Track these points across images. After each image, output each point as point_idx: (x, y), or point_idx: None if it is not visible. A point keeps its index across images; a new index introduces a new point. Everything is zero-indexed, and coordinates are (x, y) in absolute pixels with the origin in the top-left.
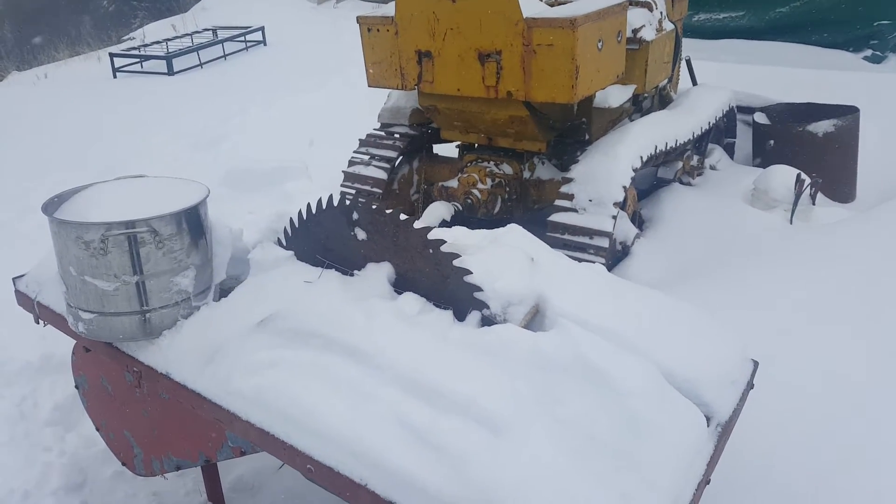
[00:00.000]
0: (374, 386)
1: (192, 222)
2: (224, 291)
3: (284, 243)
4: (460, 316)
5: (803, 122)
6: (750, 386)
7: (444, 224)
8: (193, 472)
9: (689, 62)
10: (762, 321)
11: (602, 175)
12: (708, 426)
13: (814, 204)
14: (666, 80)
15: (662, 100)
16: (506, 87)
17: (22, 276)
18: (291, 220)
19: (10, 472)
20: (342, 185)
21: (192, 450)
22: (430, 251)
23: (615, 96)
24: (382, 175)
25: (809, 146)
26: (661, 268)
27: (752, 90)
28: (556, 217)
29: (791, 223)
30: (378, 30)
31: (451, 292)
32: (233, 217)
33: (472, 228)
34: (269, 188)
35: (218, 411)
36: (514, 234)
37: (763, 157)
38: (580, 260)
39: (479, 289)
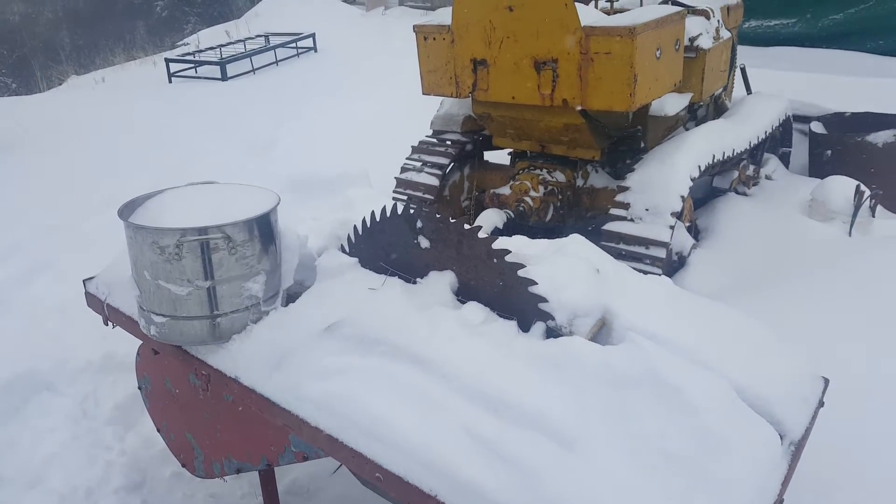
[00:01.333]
0: (441, 395)
1: (264, 229)
2: (291, 297)
3: (348, 250)
4: (525, 327)
5: (862, 133)
6: (821, 404)
7: (497, 231)
8: (250, 474)
9: (743, 70)
10: (825, 336)
11: (659, 184)
12: (781, 444)
13: (873, 216)
14: (721, 89)
15: (718, 108)
16: (561, 95)
17: (92, 278)
18: (355, 227)
19: (74, 470)
20: (394, 192)
21: (254, 453)
22: (495, 261)
23: (671, 104)
24: (434, 182)
25: (868, 156)
26: (718, 280)
27: (807, 99)
28: (612, 226)
29: (850, 235)
30: (434, 38)
31: (516, 303)
32: (298, 223)
33: (527, 236)
34: (331, 195)
35: (286, 416)
36: (578, 245)
37: (819, 167)
38: (636, 270)
39: (543, 299)
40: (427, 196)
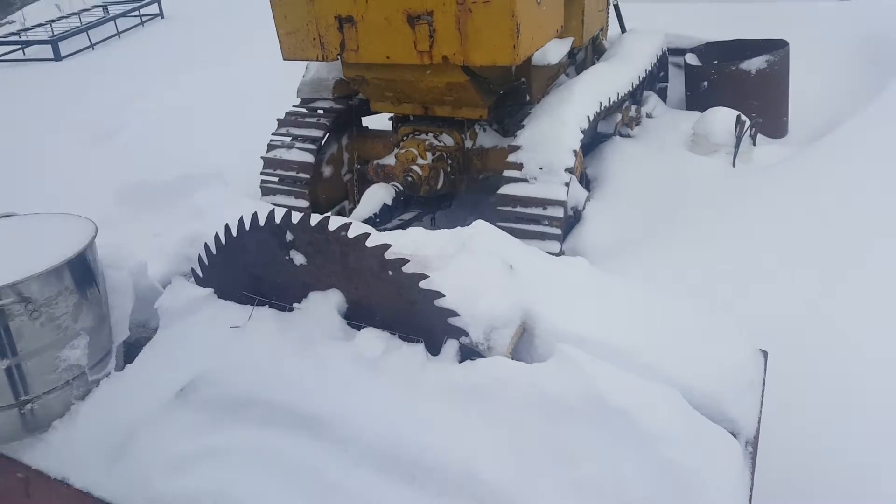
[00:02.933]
0: (340, 472)
1: (78, 274)
2: (130, 352)
3: (200, 275)
4: (434, 349)
5: (735, 61)
6: (764, 383)
7: (386, 209)
8: None
9: (616, 7)
10: (736, 275)
11: (551, 140)
12: (740, 449)
13: (754, 144)
14: (599, 30)
15: (596, 50)
16: (441, 52)
17: None
18: (207, 245)
19: None
20: (262, 174)
21: None
22: (390, 273)
23: (554, 52)
24: (308, 158)
25: (743, 85)
26: (617, 229)
27: (676, 30)
28: (507, 189)
29: (734, 166)
30: None
31: (421, 320)
32: (134, 245)
33: (415, 208)
34: (174, 202)
35: None
36: (484, 235)
37: (697, 99)
38: (534, 232)
39: (454, 313)
40: (302, 175)
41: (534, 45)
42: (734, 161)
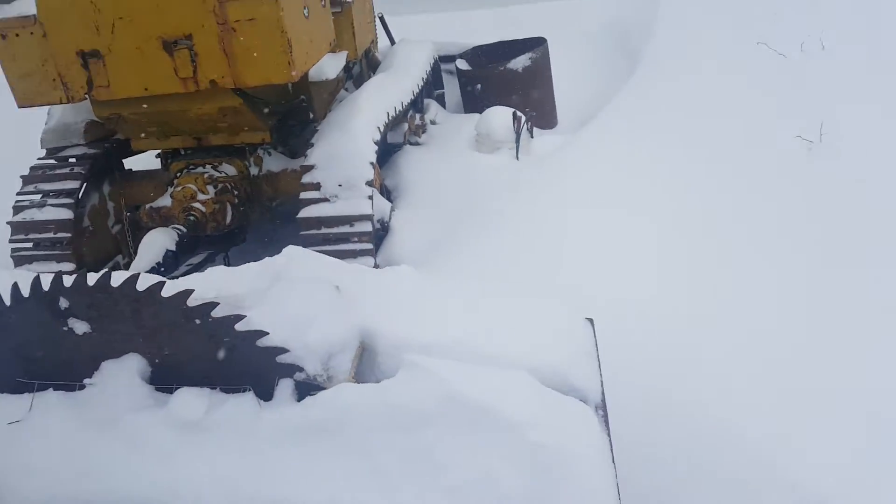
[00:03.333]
0: None
1: None
2: None
3: None
4: (266, 394)
5: (502, 61)
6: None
7: (171, 255)
8: None
9: (382, 19)
10: (539, 254)
11: (346, 155)
12: (594, 416)
13: (532, 137)
14: (370, 42)
15: (371, 63)
16: (207, 76)
17: None
18: None
19: None
20: (12, 241)
21: None
22: (198, 322)
23: (330, 66)
24: (66, 214)
25: (513, 83)
26: (424, 236)
27: (441, 38)
28: (308, 211)
29: (518, 159)
30: (17, 34)
31: (245, 366)
32: None
33: (204, 249)
34: None
35: None
36: (299, 261)
37: (473, 101)
38: (345, 251)
39: (282, 350)
40: (61, 234)
41: (309, 61)
42: (517, 154)
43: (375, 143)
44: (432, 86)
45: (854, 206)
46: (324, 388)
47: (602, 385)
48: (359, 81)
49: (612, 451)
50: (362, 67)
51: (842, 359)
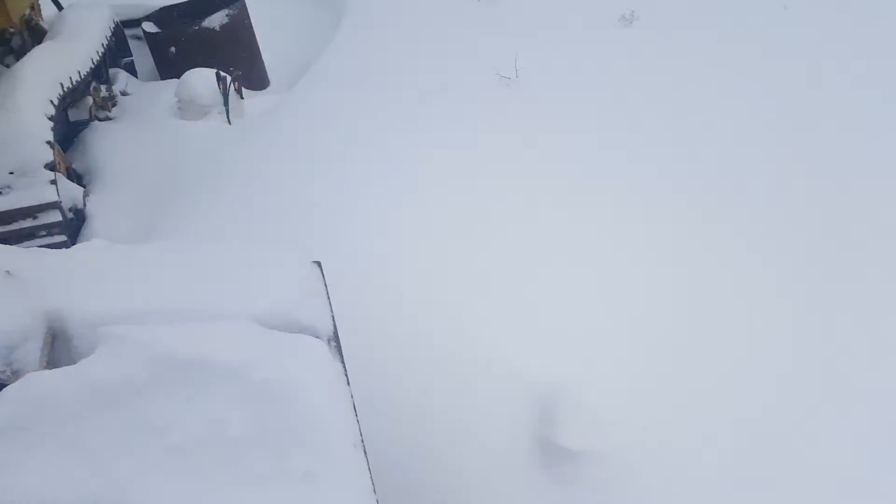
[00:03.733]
0: None
1: None
2: None
3: None
4: None
5: (197, 20)
6: (326, 287)
7: None
8: None
9: None
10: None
11: (13, 137)
12: (326, 347)
13: (242, 97)
14: (29, 9)
15: (35, 33)
16: None
17: None
18: None
19: None
20: None
21: None
22: None
23: None
24: None
25: (211, 42)
26: (130, 220)
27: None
28: None
29: (230, 124)
30: None
31: None
32: None
33: None
34: None
35: None
36: None
37: (168, 67)
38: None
39: None
40: None
41: None
42: (228, 118)
43: (50, 119)
44: (117, 54)
45: None
46: (7, 385)
47: (333, 320)
48: (21, 54)
49: (346, 374)
50: (24, 39)
51: None
